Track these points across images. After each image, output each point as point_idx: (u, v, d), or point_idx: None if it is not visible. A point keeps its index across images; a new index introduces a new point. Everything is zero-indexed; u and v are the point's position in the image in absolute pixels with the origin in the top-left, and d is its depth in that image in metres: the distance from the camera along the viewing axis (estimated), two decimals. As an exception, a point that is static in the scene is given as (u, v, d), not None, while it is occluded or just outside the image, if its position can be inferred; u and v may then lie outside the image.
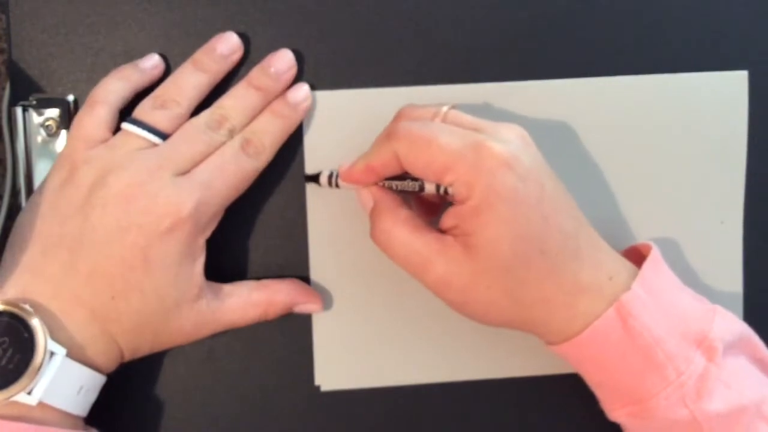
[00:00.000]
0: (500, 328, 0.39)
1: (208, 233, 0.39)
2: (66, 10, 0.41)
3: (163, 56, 0.42)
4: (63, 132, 0.41)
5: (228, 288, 0.40)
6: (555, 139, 0.43)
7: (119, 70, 0.41)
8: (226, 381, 0.43)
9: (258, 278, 0.42)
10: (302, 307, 0.42)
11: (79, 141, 0.38)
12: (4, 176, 0.45)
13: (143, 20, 0.42)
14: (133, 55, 0.42)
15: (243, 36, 0.42)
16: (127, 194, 0.37)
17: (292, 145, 0.42)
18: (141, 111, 0.39)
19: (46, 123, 0.41)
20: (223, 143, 0.39)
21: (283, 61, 0.41)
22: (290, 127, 0.41)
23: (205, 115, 0.40)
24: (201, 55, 0.41)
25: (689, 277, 0.44)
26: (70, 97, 0.42)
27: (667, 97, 0.43)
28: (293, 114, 0.41)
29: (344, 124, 0.42)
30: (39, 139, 0.41)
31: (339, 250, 0.43)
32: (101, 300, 0.37)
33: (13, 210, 0.41)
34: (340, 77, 0.42)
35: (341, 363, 0.43)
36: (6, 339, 0.35)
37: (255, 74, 0.41)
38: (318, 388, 0.43)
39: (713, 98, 0.43)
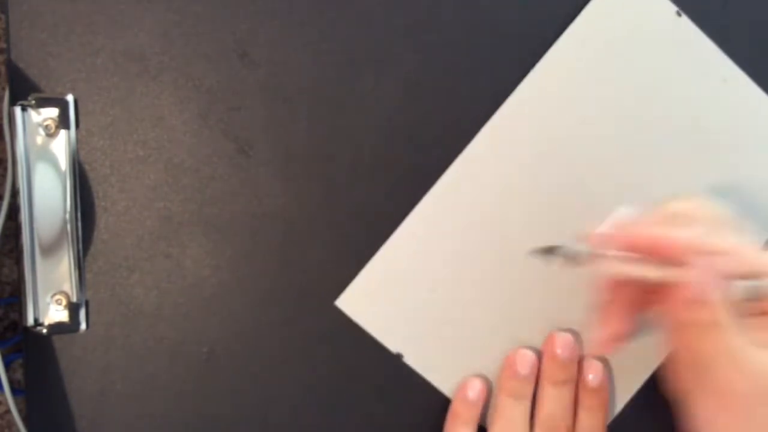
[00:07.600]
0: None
1: None
2: (66, 10, 0.41)
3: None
4: (62, 132, 0.41)
5: None
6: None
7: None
8: (226, 381, 0.43)
9: (258, 279, 0.42)
10: None
11: None
12: (4, 176, 0.45)
13: (143, 20, 0.42)
14: (133, 55, 0.42)
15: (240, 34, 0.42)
16: None
17: (292, 145, 0.42)
18: None
19: (45, 123, 0.41)
20: None
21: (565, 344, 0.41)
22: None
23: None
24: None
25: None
26: (70, 97, 0.41)
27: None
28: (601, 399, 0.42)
29: (344, 124, 0.43)
30: (38, 138, 0.41)
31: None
32: None
33: (13, 210, 0.41)
34: (340, 76, 0.43)
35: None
36: None
37: (549, 369, 0.41)
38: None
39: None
